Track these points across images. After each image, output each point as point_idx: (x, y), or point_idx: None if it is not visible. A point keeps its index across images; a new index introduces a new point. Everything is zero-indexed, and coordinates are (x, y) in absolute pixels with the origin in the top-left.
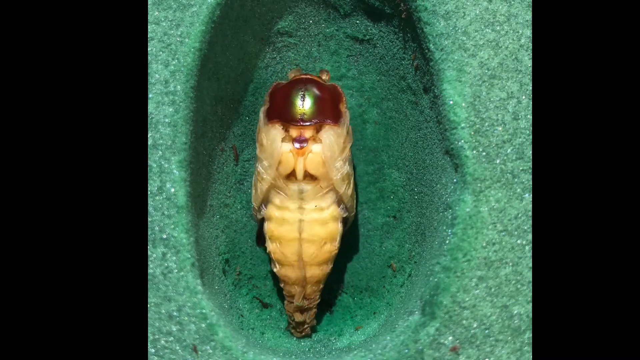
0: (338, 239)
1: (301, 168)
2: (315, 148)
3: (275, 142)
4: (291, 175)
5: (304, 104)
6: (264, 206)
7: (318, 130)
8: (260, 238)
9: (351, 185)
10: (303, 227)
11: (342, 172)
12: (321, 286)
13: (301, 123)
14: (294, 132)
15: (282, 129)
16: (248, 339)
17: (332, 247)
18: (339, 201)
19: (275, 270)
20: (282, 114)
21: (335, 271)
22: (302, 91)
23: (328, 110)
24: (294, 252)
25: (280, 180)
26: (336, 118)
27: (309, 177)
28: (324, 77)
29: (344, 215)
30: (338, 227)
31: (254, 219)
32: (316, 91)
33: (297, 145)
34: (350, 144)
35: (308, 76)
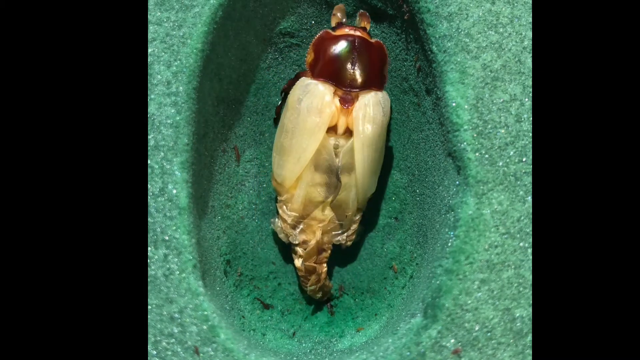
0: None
1: (343, 123)
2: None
3: (325, 99)
4: (331, 130)
5: (354, 70)
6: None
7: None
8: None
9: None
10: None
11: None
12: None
13: (350, 89)
14: (339, 91)
15: (331, 86)
16: (249, 341)
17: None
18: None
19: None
20: (331, 74)
21: (336, 272)
22: (353, 55)
23: (375, 76)
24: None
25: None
26: (381, 84)
27: (347, 132)
28: (367, 25)
29: (336, 241)
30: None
31: (256, 219)
32: (367, 55)
33: (344, 104)
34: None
35: (358, 34)
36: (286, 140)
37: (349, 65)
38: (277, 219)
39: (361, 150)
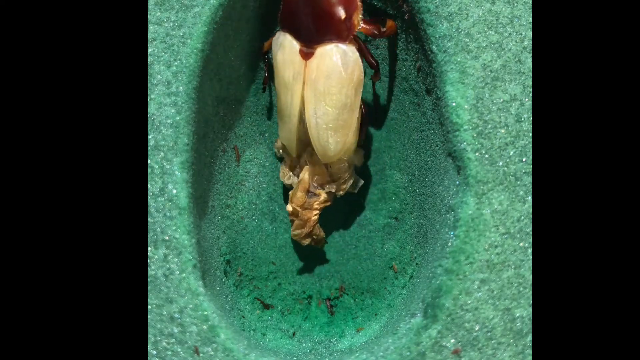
0: None
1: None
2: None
3: (293, 49)
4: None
5: (308, 21)
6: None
7: None
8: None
9: (349, 177)
10: None
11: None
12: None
13: (307, 45)
14: (299, 44)
15: (293, 39)
16: (249, 341)
17: None
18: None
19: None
20: (289, 26)
21: (336, 272)
22: (303, 3)
23: (333, 25)
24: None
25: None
26: (341, 35)
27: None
28: None
29: (327, 189)
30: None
31: (256, 219)
32: (324, 6)
33: (304, 58)
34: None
35: None
36: (279, 102)
37: (301, 16)
38: (281, 164)
39: (312, 101)
